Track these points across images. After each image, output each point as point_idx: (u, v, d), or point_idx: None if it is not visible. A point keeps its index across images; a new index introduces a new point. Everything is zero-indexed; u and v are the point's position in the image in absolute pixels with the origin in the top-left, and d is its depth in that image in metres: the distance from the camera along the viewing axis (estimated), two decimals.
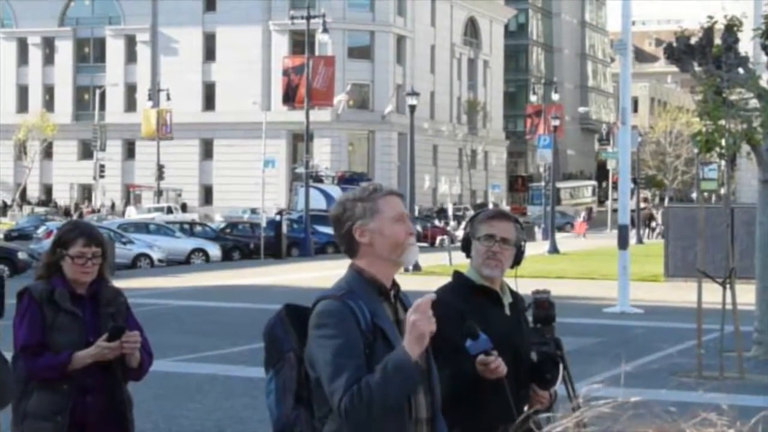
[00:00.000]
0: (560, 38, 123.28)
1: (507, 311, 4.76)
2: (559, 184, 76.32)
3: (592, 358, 15.01)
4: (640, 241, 55.03)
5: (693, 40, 16.67)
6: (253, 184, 69.02)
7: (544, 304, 5.92)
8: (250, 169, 74.60)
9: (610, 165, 75.94)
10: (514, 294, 4.84)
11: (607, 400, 1.50)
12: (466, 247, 4.79)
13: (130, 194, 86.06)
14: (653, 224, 65.31)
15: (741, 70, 16.27)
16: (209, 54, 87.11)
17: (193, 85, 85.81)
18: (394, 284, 3.91)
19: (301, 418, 3.79)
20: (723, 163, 17.90)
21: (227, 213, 72.70)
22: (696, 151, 20.68)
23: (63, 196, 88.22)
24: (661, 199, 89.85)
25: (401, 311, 3.88)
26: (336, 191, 63.12)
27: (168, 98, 76.11)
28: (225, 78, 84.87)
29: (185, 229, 46.95)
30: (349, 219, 3.82)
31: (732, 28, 16.30)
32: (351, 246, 3.85)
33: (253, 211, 67.01)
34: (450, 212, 74.92)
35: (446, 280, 4.95)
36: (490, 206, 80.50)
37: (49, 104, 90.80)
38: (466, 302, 4.59)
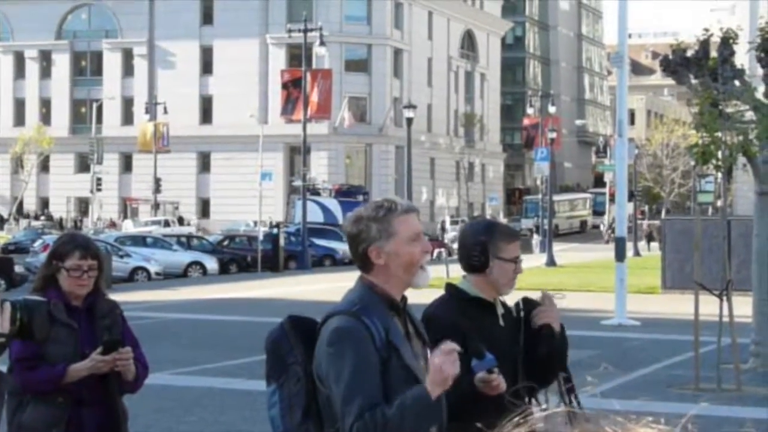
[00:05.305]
0: (557, 51, 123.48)
1: (501, 322, 4.76)
2: (555, 197, 76.35)
3: (589, 371, 14.99)
4: (637, 253, 55.06)
5: (689, 53, 16.70)
6: (250, 197, 68.99)
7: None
8: (247, 182, 74.58)
9: (607, 177, 75.98)
10: (503, 304, 4.85)
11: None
12: (479, 259, 4.64)
13: (127, 207, 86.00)
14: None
15: (737, 83, 16.31)
16: (206, 67, 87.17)
17: (190, 98, 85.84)
18: (403, 297, 3.89)
19: None
20: (719, 175, 17.92)
21: (226, 227, 72.44)
22: (693, 163, 20.68)
23: (60, 210, 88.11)
24: (657, 212, 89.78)
25: (410, 325, 3.88)
26: (333, 204, 63.20)
27: (165, 111, 76.15)
28: (222, 91, 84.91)
29: (182, 243, 46.94)
30: (364, 240, 3.78)
31: (728, 41, 16.34)
32: (366, 264, 3.81)
33: (255, 223, 66.87)
34: (448, 225, 74.84)
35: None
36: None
37: (45, 117, 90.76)
38: (462, 315, 4.57)
